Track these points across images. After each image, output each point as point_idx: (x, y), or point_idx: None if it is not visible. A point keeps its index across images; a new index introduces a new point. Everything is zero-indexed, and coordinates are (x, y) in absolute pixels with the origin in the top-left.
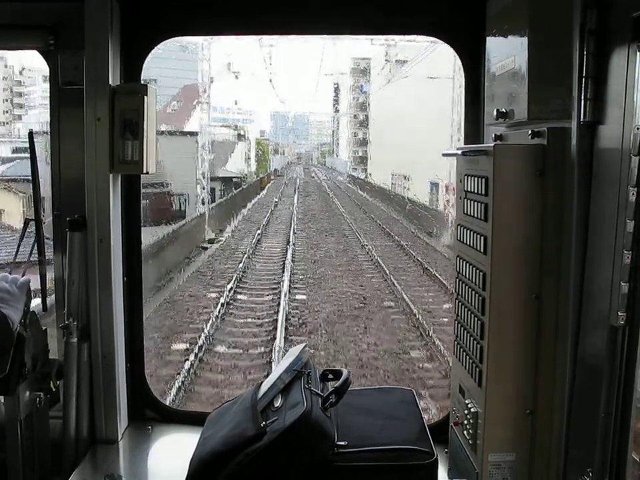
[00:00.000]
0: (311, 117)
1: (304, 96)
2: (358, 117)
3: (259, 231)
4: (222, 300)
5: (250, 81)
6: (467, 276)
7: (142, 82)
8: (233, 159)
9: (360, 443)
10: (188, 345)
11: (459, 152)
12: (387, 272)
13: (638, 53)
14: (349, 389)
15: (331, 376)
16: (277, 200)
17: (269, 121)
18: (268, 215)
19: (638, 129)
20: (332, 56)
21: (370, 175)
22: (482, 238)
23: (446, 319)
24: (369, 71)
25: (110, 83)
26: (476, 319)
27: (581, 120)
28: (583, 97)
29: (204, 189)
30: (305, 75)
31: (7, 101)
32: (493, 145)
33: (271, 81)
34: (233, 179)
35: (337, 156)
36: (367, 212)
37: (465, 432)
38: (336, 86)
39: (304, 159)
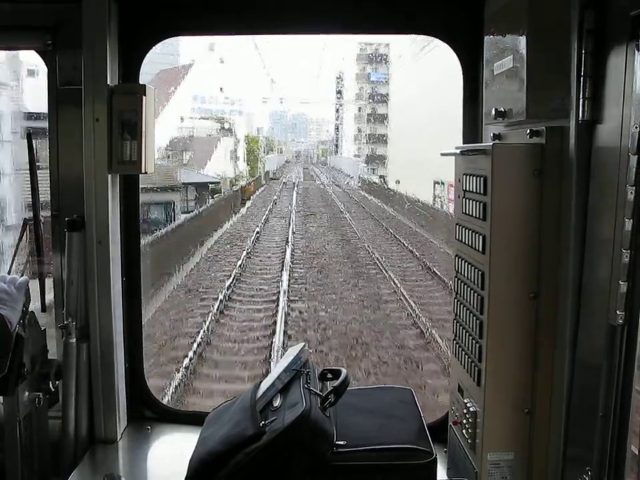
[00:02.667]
0: (310, 112)
1: (303, 87)
2: (365, 110)
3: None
4: None
5: (238, 63)
6: (466, 275)
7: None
8: (214, 159)
9: (359, 443)
10: None
11: (458, 151)
12: None
13: (636, 52)
14: (348, 388)
15: (329, 375)
16: (262, 222)
17: (264, 114)
18: (235, 273)
19: (636, 127)
20: (335, 42)
21: (397, 182)
22: (480, 237)
23: None
24: (381, 57)
25: (108, 83)
26: (475, 318)
27: (580, 119)
28: (581, 96)
29: None
30: (304, 61)
31: None
32: (491, 144)
33: (268, 76)
34: (209, 184)
35: (341, 154)
36: (418, 257)
37: (464, 431)
38: (339, 76)
39: (303, 158)
